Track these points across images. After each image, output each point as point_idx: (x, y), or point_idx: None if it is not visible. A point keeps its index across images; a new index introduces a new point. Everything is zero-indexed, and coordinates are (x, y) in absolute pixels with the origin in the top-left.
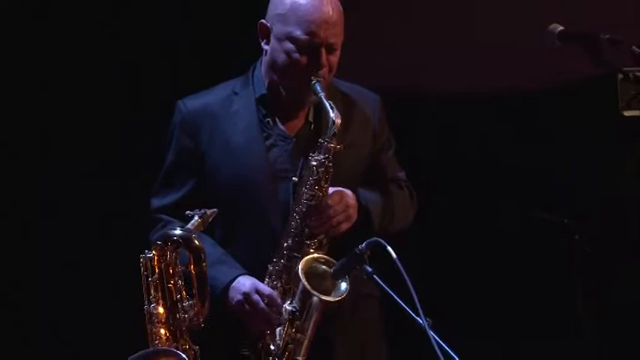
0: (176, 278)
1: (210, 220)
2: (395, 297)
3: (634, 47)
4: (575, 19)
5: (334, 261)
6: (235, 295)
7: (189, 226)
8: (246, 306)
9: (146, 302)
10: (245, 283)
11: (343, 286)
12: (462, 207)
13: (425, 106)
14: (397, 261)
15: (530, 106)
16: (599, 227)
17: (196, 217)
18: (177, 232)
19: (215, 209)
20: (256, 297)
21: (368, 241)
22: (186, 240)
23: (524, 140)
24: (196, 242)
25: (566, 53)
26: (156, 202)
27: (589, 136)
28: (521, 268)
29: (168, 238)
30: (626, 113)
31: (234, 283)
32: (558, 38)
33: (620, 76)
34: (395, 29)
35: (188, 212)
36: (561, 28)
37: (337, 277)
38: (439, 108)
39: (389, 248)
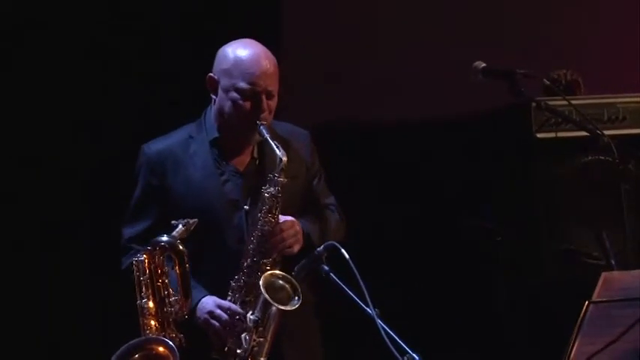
0: (163, 278)
1: (192, 228)
2: (347, 291)
3: (545, 80)
4: (496, 54)
5: (289, 277)
6: (202, 315)
7: (174, 233)
8: (212, 321)
9: (138, 298)
10: (208, 302)
11: (296, 298)
12: (397, 218)
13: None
14: (349, 260)
15: (458, 129)
16: (516, 231)
17: (180, 226)
18: (165, 239)
19: (196, 219)
20: (219, 311)
21: (325, 244)
22: (171, 245)
23: (455, 158)
24: (180, 247)
25: (489, 85)
26: (127, 231)
27: (508, 154)
28: (452, 270)
29: (156, 244)
30: (539, 135)
31: (199, 305)
32: (481, 73)
33: (534, 104)
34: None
35: (173, 222)
36: (484, 64)
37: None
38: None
39: (342, 250)
